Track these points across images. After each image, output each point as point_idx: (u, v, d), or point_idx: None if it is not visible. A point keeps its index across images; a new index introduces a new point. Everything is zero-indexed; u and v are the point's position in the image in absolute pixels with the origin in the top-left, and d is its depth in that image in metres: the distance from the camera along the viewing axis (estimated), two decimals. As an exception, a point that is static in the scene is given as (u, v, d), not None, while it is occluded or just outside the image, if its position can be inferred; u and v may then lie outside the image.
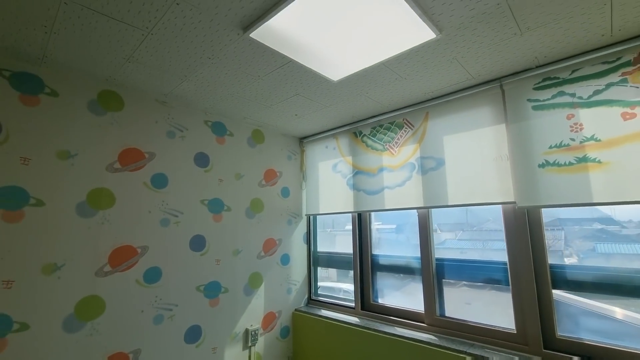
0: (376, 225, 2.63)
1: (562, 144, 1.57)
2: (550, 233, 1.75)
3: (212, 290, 2.18)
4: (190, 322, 2.05)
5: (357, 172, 2.50)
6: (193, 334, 2.05)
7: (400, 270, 2.36)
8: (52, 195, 1.62)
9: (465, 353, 1.70)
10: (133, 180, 1.90)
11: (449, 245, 2.23)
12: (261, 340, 2.43)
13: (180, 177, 2.11)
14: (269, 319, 2.50)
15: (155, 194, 1.99)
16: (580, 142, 1.52)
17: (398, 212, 2.36)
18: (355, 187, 2.49)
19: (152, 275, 1.91)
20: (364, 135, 2.49)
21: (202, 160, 2.24)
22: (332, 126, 2.65)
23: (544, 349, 1.61)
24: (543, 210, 1.71)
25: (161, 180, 2.02)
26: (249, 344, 2.33)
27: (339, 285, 2.92)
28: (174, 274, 2.00)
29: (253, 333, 2.35)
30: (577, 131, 1.54)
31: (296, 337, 2.63)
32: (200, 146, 2.24)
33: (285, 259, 2.69)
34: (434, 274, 2.08)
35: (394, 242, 2.53)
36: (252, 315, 2.40)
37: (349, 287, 2.61)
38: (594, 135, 1.49)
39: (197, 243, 2.14)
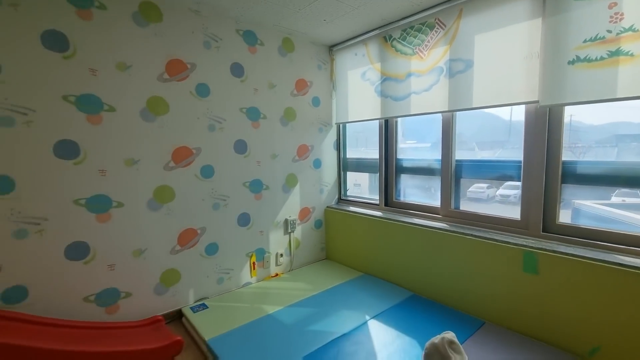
0: (410, 143, 2.75)
1: (598, 37, 1.52)
2: (602, 150, 1.78)
3: (256, 186, 2.58)
4: (241, 210, 2.50)
5: (385, 78, 2.55)
6: (244, 219, 2.52)
7: (422, 171, 2.57)
8: (119, 102, 1.91)
9: (469, 235, 2.00)
10: (181, 90, 2.14)
11: None
12: (299, 228, 2.91)
13: (219, 87, 2.31)
14: (304, 213, 2.94)
15: (201, 102, 2.24)
16: (617, 34, 1.47)
17: (432, 129, 2.43)
18: (383, 94, 2.57)
19: (207, 172, 2.30)
20: (394, 39, 2.45)
21: (237, 70, 2.40)
22: (362, 31, 2.60)
23: (543, 232, 1.84)
24: (599, 126, 1.74)
25: (204, 89, 2.24)
26: (289, 230, 2.81)
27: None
28: (224, 172, 2.38)
29: (292, 222, 2.81)
30: (615, 22, 1.47)
31: (328, 228, 3.09)
32: (234, 56, 2.37)
33: (317, 163, 3.00)
34: (452, 172, 2.28)
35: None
36: (290, 209, 2.83)
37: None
38: (632, 25, 1.43)
39: (240, 146, 2.46)
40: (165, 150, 2.11)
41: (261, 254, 2.65)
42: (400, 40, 2.41)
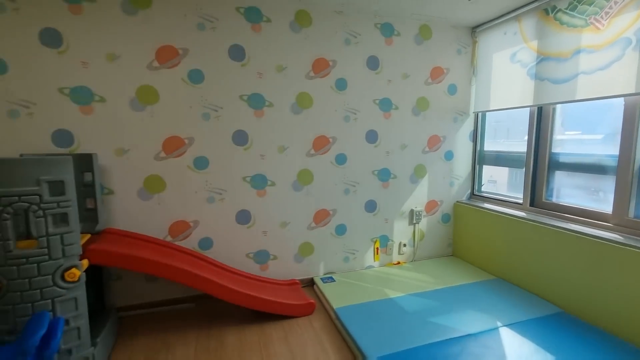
0: (570, 134, 2.31)
1: None
2: None
3: (384, 175, 2.66)
4: (368, 197, 2.64)
5: (542, 58, 2.19)
6: (371, 206, 2.66)
7: (587, 169, 2.11)
8: (276, 99, 2.30)
9: (659, 252, 1.56)
10: (323, 86, 2.40)
11: None
12: (424, 220, 2.86)
13: (356, 80, 2.47)
14: (431, 205, 2.86)
15: (339, 96, 2.45)
16: None
17: (605, 118, 1.97)
18: (538, 77, 2.22)
19: (341, 159, 2.52)
20: (559, 10, 2.06)
21: (373, 63, 2.50)
22: (515, 6, 2.29)
23: None
24: None
25: (342, 84, 2.45)
26: (414, 221, 2.80)
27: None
28: (355, 160, 2.56)
29: (417, 213, 2.79)
30: None
31: (457, 224, 2.92)
32: (371, 50, 2.48)
33: (449, 155, 2.84)
34: (635, 172, 1.80)
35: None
36: (417, 200, 2.80)
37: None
38: None
39: (371, 136, 2.58)
40: (308, 139, 2.42)
41: (385, 241, 2.75)
42: (568, 11, 2.01)
